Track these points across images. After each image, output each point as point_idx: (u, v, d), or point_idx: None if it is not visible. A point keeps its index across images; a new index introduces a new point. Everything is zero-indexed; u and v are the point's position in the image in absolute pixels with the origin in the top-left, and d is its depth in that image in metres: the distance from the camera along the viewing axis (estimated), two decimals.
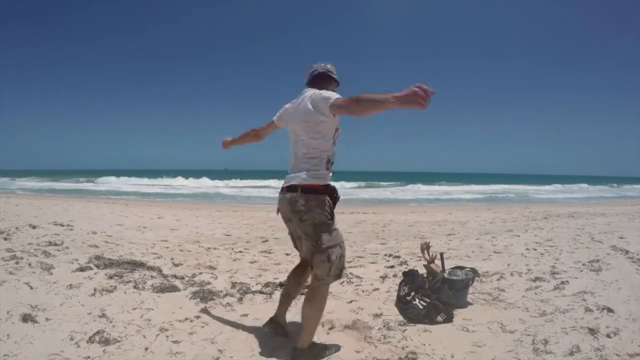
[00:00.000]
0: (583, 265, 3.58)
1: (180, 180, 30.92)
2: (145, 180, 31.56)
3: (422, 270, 3.03)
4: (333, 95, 1.86)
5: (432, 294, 2.59)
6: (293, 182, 1.93)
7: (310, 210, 1.88)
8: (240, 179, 32.46)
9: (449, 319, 2.49)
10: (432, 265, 2.94)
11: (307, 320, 1.97)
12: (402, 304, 2.68)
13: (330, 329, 2.41)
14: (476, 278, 2.99)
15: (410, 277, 2.84)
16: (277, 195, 2.10)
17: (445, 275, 2.81)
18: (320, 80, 2.10)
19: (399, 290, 2.84)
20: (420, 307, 2.54)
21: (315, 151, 1.93)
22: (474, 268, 3.01)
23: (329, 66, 2.13)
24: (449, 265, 3.02)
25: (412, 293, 2.66)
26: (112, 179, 32.33)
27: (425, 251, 3.02)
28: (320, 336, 2.28)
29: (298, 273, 2.26)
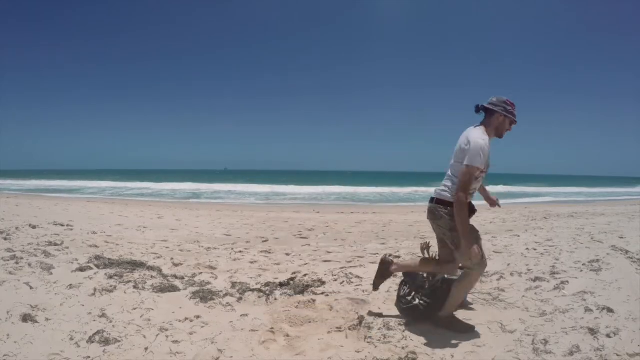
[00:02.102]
0: (583, 265, 3.58)
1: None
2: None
3: None
4: (473, 159, 2.17)
5: (432, 294, 2.58)
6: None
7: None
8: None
9: None
10: None
11: (452, 296, 2.39)
12: (402, 304, 2.68)
13: (330, 328, 2.41)
14: None
15: (410, 277, 2.83)
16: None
17: (446, 275, 2.81)
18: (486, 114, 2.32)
19: (399, 290, 2.83)
20: (421, 307, 2.54)
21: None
22: None
23: (494, 99, 2.28)
24: None
25: (412, 293, 2.65)
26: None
27: (425, 251, 3.01)
28: (319, 335, 2.29)
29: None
